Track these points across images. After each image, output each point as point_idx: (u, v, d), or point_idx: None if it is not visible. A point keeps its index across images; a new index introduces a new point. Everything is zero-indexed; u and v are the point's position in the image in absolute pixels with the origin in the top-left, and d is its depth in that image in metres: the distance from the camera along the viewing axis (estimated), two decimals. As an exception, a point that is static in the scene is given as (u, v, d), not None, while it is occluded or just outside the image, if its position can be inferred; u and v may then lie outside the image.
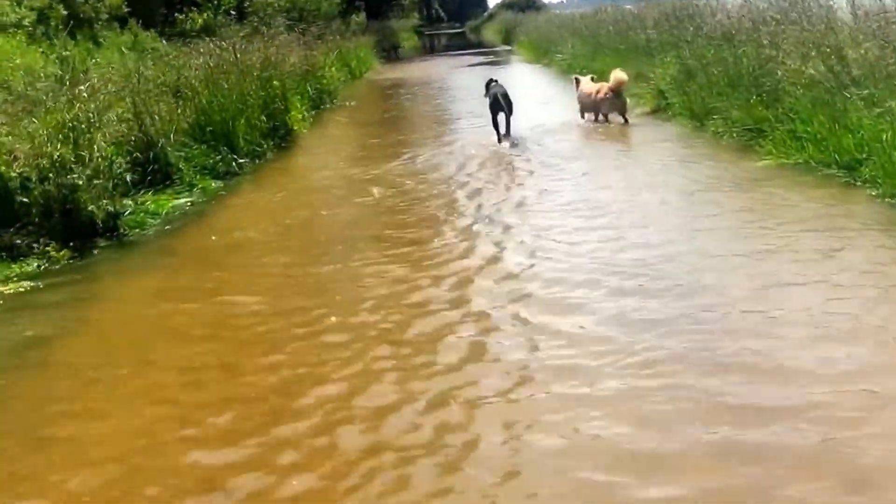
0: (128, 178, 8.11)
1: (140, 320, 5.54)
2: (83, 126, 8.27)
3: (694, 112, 11.48)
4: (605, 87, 12.43)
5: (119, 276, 6.48)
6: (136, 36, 22.67)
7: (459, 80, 24.02)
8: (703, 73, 11.39)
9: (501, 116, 11.55)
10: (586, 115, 12.72)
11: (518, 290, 5.49)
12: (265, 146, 11.29)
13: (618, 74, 12.28)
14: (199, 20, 27.94)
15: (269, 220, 8.01)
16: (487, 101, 11.82)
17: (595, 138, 11.70)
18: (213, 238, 7.43)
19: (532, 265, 5.97)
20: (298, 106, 14.18)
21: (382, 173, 9.80)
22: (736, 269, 5.60)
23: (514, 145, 11.04)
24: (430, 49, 50.69)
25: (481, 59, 34.22)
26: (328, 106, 17.64)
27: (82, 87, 8.53)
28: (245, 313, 5.37)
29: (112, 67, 11.99)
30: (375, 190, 8.76)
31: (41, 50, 15.50)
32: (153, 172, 8.82)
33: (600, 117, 12.46)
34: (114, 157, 8.06)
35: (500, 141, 11.31)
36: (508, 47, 39.66)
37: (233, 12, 27.54)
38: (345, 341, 4.80)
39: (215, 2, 28.56)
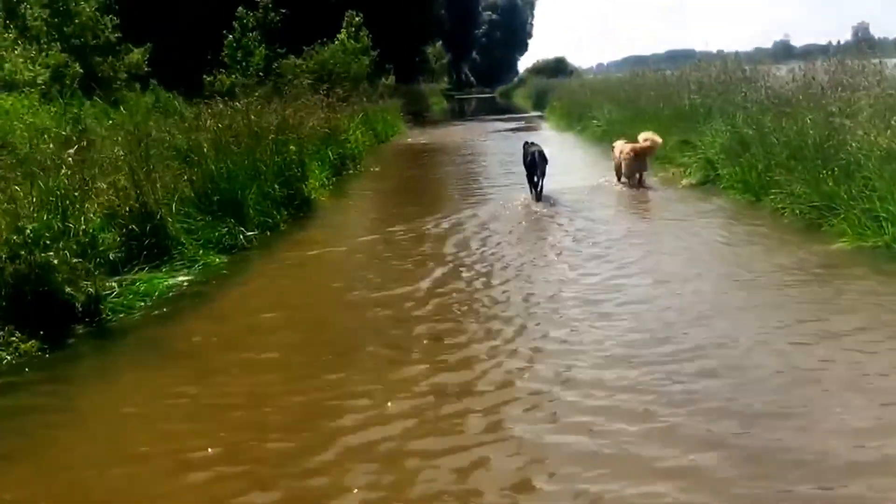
0: (112, 256, 7.14)
1: (103, 441, 4.51)
2: (76, 194, 7.46)
3: (749, 185, 10.46)
4: (627, 146, 12.56)
5: (87, 378, 5.47)
6: (158, 97, 22.16)
7: (489, 146, 23.26)
8: (759, 142, 10.38)
9: (536, 176, 11.76)
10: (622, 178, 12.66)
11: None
12: (278, 216, 10.34)
13: (646, 135, 12.41)
14: (227, 82, 27.54)
15: (273, 306, 7.03)
16: (522, 159, 12.13)
17: (638, 209, 10.69)
18: (198, 335, 6.32)
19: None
20: (317, 172, 13.33)
21: (405, 251, 8.83)
22: (847, 390, 4.50)
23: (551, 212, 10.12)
24: (458, 113, 50.24)
25: (511, 124, 33.57)
26: (351, 171, 16.80)
27: (70, 151, 7.66)
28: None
29: (122, 129, 11.25)
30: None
31: (54, 110, 14.92)
32: (149, 247, 7.89)
33: (633, 179, 12.36)
34: (98, 231, 7.10)
35: (537, 199, 11.62)
36: (539, 113, 39.03)
37: (261, 74, 27.18)
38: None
39: (244, 63, 28.22)
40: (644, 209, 10.95)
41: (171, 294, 7.24)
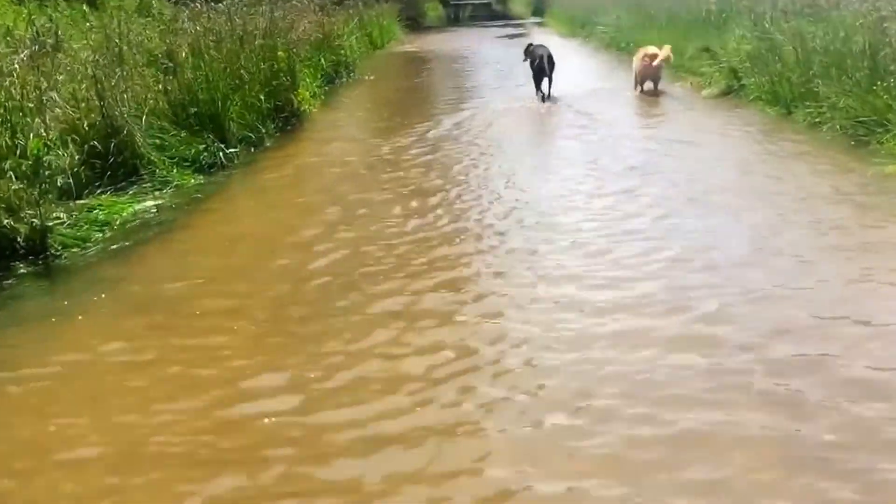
0: (62, 180, 6.18)
1: (35, 407, 3.71)
2: (30, 106, 6.53)
3: (779, 96, 9.51)
4: (643, 51, 11.99)
5: (22, 330, 4.49)
6: (142, -1, 20.82)
7: (490, 54, 22.00)
8: (794, 49, 9.36)
9: (544, 81, 11.68)
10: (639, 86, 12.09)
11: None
12: (264, 131, 9.38)
13: (656, 50, 11.72)
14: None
15: (251, 238, 6.08)
16: (529, 62, 11.92)
17: (662, 124, 9.75)
18: (158, 276, 5.27)
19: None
20: (309, 81, 12.27)
21: (405, 172, 7.93)
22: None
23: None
24: (455, 19, 48.37)
25: (510, 30, 32.10)
26: (345, 80, 15.71)
27: (22, 55, 6.70)
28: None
29: (98, 33, 10.18)
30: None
31: (25, 11, 13.74)
32: (114, 166, 6.99)
33: (647, 86, 11.89)
34: (52, 149, 6.15)
35: (543, 100, 11.61)
36: (539, 20, 37.42)
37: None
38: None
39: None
40: (665, 119, 10.03)
41: (135, 222, 6.32)
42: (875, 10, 8.18)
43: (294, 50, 11.18)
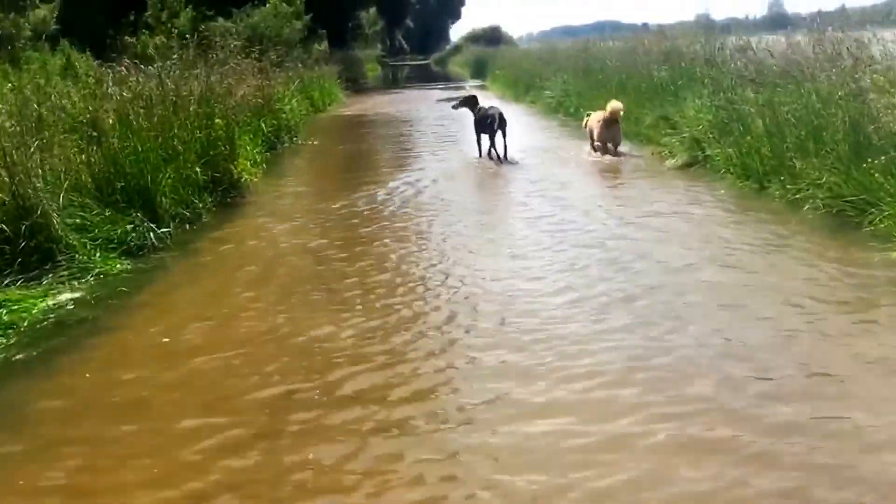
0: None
1: None
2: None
3: (750, 169, 9.05)
4: (599, 114, 12.11)
5: None
6: (69, 58, 19.88)
7: (436, 115, 21.59)
8: (764, 120, 8.94)
9: (498, 137, 11.86)
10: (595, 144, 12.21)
11: None
12: (200, 205, 8.54)
13: (613, 104, 11.94)
14: (150, 43, 25.42)
15: (188, 343, 5.09)
16: (477, 119, 12.16)
17: (625, 198, 9.14)
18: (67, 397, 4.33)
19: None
20: (249, 148, 11.49)
21: (357, 253, 7.17)
22: None
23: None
24: (395, 80, 48.22)
25: (453, 93, 31.83)
26: (287, 145, 14.96)
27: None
28: None
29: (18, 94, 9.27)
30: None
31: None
32: (26, 252, 6.09)
33: (603, 147, 11.95)
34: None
35: (499, 160, 11.82)
36: (480, 82, 37.36)
37: (187, 37, 24.87)
38: None
39: (167, 25, 26.14)
40: (628, 192, 9.47)
41: (48, 322, 5.38)
42: (854, 81, 7.78)
43: (233, 116, 10.40)
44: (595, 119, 12.14)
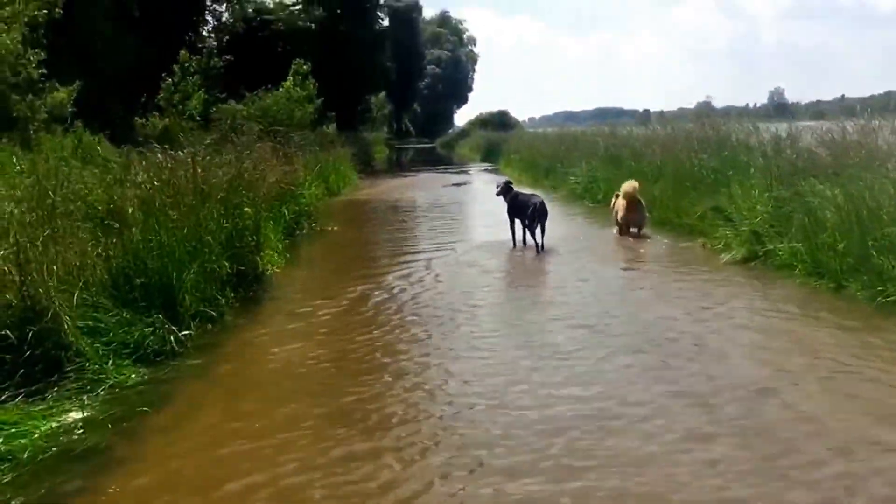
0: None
1: None
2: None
3: (824, 266, 8.29)
4: (620, 201, 12.61)
5: None
6: (80, 140, 19.37)
7: (457, 199, 21.13)
8: (841, 213, 8.22)
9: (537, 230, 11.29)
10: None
11: None
12: (223, 302, 7.73)
13: (626, 186, 12.53)
14: (161, 125, 25.14)
15: (224, 481, 4.25)
16: (513, 205, 11.68)
17: (686, 296, 8.33)
18: None
19: None
20: (272, 237, 10.75)
21: (392, 360, 6.35)
22: None
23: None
24: (406, 164, 48.00)
25: (468, 177, 31.48)
26: (306, 231, 14.25)
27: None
28: None
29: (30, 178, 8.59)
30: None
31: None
32: (31, 361, 5.27)
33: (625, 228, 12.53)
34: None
35: (539, 249, 11.19)
36: (491, 166, 37.01)
37: (198, 118, 24.46)
38: None
39: (179, 106, 25.87)
40: (688, 289, 8.64)
41: (52, 451, 4.52)
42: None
43: (261, 204, 9.68)
44: (620, 201, 12.65)
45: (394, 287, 9.10)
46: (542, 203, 11.36)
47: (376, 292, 8.83)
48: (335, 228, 14.96)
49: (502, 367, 6.06)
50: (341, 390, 5.65)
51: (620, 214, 12.49)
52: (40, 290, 5.55)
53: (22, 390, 5.12)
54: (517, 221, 11.79)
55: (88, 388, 5.41)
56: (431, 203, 20.05)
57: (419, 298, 8.56)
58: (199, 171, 8.29)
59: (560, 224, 13.61)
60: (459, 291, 8.85)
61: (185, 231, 7.57)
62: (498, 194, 12.17)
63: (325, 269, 11.25)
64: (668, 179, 13.97)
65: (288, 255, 11.21)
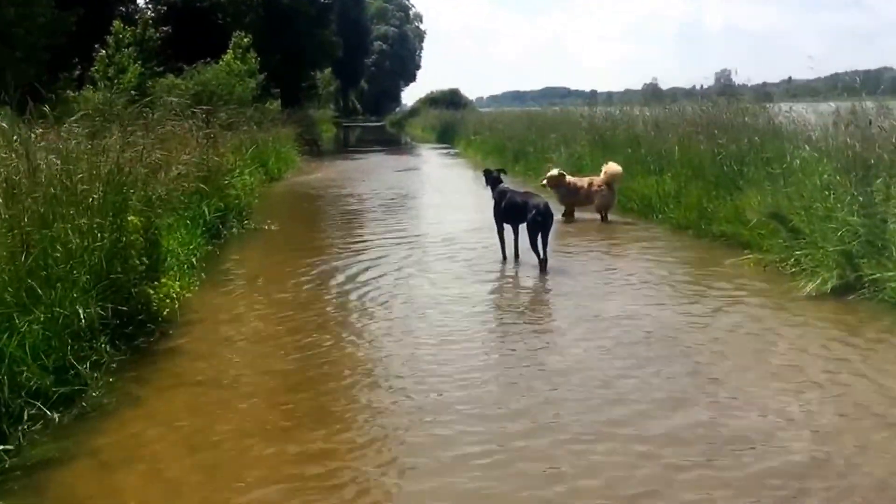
0: None
1: None
2: None
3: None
4: (596, 179, 12.04)
5: None
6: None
7: (414, 184, 18.49)
8: None
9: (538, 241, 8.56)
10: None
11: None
12: (86, 367, 4.86)
13: (612, 167, 11.96)
14: (94, 99, 22.12)
15: None
16: (505, 205, 9.05)
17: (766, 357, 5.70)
18: None
19: None
20: (181, 250, 7.84)
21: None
22: None
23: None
24: (355, 143, 45.23)
25: (426, 160, 28.86)
26: (235, 231, 11.33)
27: None
28: None
29: None
30: None
31: None
32: None
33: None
34: None
35: (543, 265, 8.53)
36: (448, 147, 34.37)
37: (133, 93, 21.88)
38: None
39: (114, 80, 23.31)
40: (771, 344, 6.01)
41: None
42: None
43: (160, 206, 6.74)
44: (585, 181, 12.14)
45: (353, 326, 6.31)
46: (547, 205, 8.63)
47: (329, 328, 6.04)
48: (272, 227, 12.03)
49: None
50: None
51: (598, 200, 11.84)
52: None
53: None
54: (508, 228, 9.13)
55: None
56: (387, 198, 17.00)
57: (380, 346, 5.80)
58: (56, 160, 5.33)
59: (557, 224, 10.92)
60: (448, 328, 6.12)
61: (24, 257, 4.68)
62: (486, 186, 9.58)
63: (256, 292, 8.16)
64: (682, 172, 11.41)
65: (205, 273, 8.27)
